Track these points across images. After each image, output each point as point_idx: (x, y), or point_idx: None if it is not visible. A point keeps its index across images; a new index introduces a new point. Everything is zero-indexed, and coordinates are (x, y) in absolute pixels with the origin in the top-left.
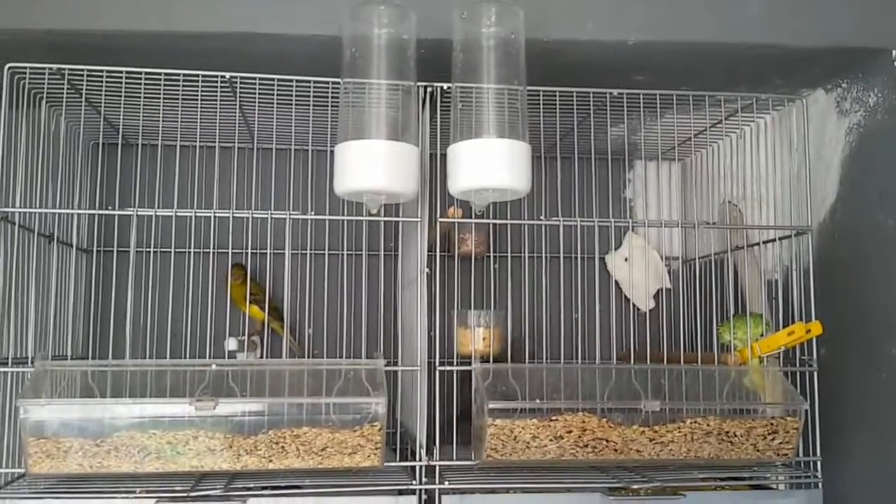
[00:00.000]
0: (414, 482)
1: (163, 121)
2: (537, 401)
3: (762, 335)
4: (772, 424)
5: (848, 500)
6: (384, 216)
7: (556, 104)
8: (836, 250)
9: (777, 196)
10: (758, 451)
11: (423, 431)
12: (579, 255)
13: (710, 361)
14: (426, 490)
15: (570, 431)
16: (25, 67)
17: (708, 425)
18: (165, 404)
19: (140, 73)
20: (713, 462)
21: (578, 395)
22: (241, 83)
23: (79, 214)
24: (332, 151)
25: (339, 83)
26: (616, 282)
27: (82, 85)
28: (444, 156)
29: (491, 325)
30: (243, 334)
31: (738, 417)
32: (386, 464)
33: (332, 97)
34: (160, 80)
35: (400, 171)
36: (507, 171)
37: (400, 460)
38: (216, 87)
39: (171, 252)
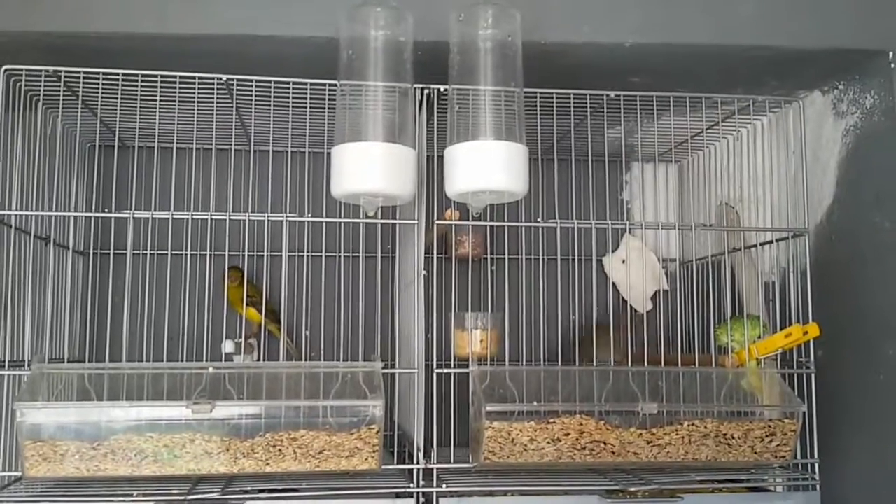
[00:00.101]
0: (411, 485)
1: (159, 123)
2: (535, 403)
3: (759, 337)
4: (769, 427)
5: (846, 502)
6: (381, 218)
7: (553, 106)
8: (833, 252)
9: (774, 198)
10: (755, 453)
11: (421, 434)
12: (576, 258)
13: (708, 363)
14: (424, 493)
15: (567, 434)
16: (22, 69)
17: (705, 427)
18: (162, 407)
19: (136, 75)
20: (711, 464)
21: (576, 398)
22: (237, 85)
23: (75, 217)
24: (328, 153)
25: (335, 85)
26: (613, 284)
27: (79, 87)
28: (441, 158)
29: (488, 328)
30: (240, 337)
31: (735, 420)
32: (383, 466)
33: (328, 99)
34: (157, 82)
35: (397, 174)
36: (504, 174)
37: (397, 463)
38: (213, 89)
39: (167, 254)
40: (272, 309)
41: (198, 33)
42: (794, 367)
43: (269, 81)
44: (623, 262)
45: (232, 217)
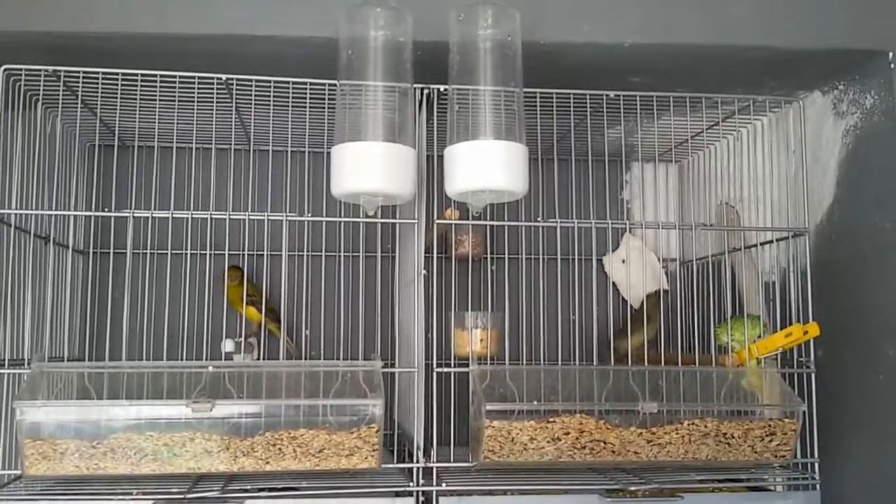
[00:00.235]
0: (411, 484)
1: (159, 123)
2: (535, 402)
3: (760, 337)
4: (769, 426)
5: (846, 502)
6: (381, 218)
7: (553, 106)
8: (833, 252)
9: (774, 198)
10: (755, 452)
11: (421, 433)
12: (576, 257)
13: (708, 363)
14: (423, 492)
15: (567, 433)
16: (21, 69)
17: (705, 427)
18: (162, 406)
19: (136, 74)
20: (711, 464)
21: (576, 397)
22: (237, 85)
23: (75, 216)
24: (328, 153)
25: (335, 85)
26: (613, 283)
27: (78, 87)
28: (440, 157)
29: (488, 327)
30: (240, 336)
31: (735, 419)
32: (383, 465)
33: (328, 99)
34: (156, 81)
35: (397, 173)
36: (504, 173)
37: (397, 462)
38: (212, 89)
39: (167, 254)
40: (272, 308)
41: (197, 33)
42: (795, 366)
43: (269, 81)
44: (623, 261)
45: (232, 216)
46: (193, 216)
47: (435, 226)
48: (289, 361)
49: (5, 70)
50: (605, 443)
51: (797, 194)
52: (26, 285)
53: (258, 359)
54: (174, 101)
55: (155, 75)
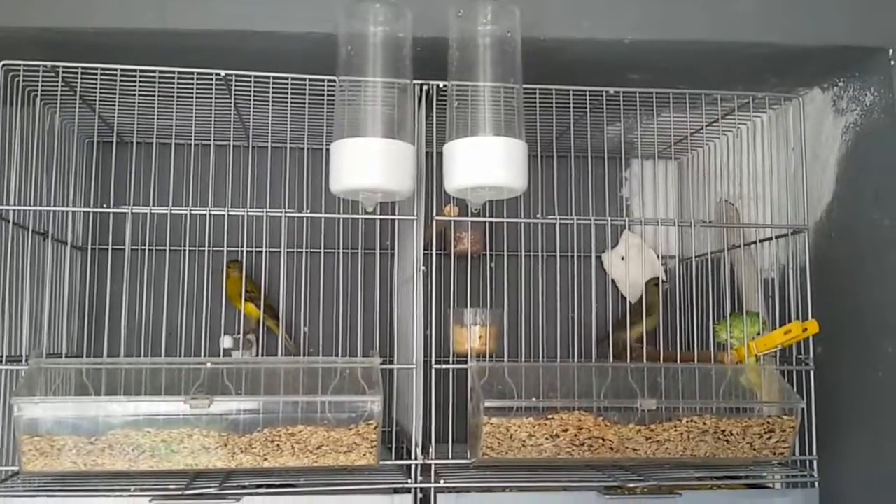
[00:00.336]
0: (409, 481)
1: (157, 119)
2: (533, 399)
3: (759, 334)
4: (768, 423)
5: (844, 499)
6: (380, 214)
7: (552, 102)
8: (832, 249)
9: (774, 195)
10: (754, 449)
11: (419, 430)
12: (576, 254)
13: (707, 360)
14: (422, 489)
15: (566, 430)
16: (20, 65)
17: (704, 424)
18: (160, 402)
19: (135, 70)
20: (709, 461)
21: (574, 394)
22: (236, 81)
23: (73, 212)
24: (327, 149)
25: (334, 81)
26: (612, 280)
27: (77, 82)
28: (440, 154)
29: (487, 324)
30: (238, 332)
31: (734, 416)
32: (381, 462)
33: (327, 95)
34: (155, 77)
35: (396, 169)
36: (504, 169)
37: (395, 459)
38: (211, 84)
39: (166, 250)
40: (270, 305)
41: (196, 29)
42: (793, 363)
43: (268, 77)
44: (622, 258)
45: (230, 213)
46: (192, 212)
47: (434, 222)
48: (287, 358)
49: (4, 66)
50: (603, 440)
51: (797, 191)
52: (24, 281)
53: (257, 355)
54: (173, 97)
55: (153, 71)
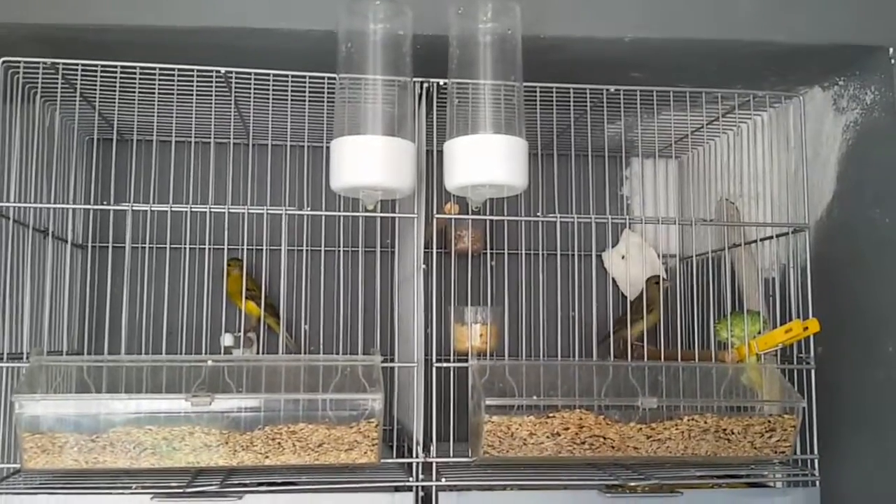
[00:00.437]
0: (410, 479)
1: (158, 116)
2: (534, 397)
3: (759, 333)
4: (769, 422)
5: (845, 498)
6: (380, 212)
7: (552, 101)
8: (833, 248)
9: (774, 193)
10: (755, 448)
11: (420, 428)
12: (576, 253)
13: (708, 359)
14: (423, 487)
15: (567, 428)
16: (19, 62)
17: (705, 423)
18: (161, 400)
19: (135, 67)
20: (710, 459)
21: (576, 392)
22: (236, 78)
23: (74, 209)
24: (327, 147)
25: (334, 79)
26: (613, 279)
27: (77, 80)
28: (440, 152)
29: (488, 322)
30: (239, 330)
31: (735, 415)
32: (382, 460)
33: (328, 93)
34: (155, 74)
35: (396, 167)
36: (504, 168)
37: (397, 457)
38: (211, 82)
39: (166, 248)
40: (271, 303)
41: (196, 26)
42: (794, 362)
43: (268, 74)
44: (623, 257)
45: (231, 210)
46: (192, 210)
47: (434, 220)
48: (288, 356)
49: (4, 62)
50: (604, 438)
51: (797, 190)
52: (25, 279)
53: (257, 353)
54: (173, 94)
55: (154, 68)
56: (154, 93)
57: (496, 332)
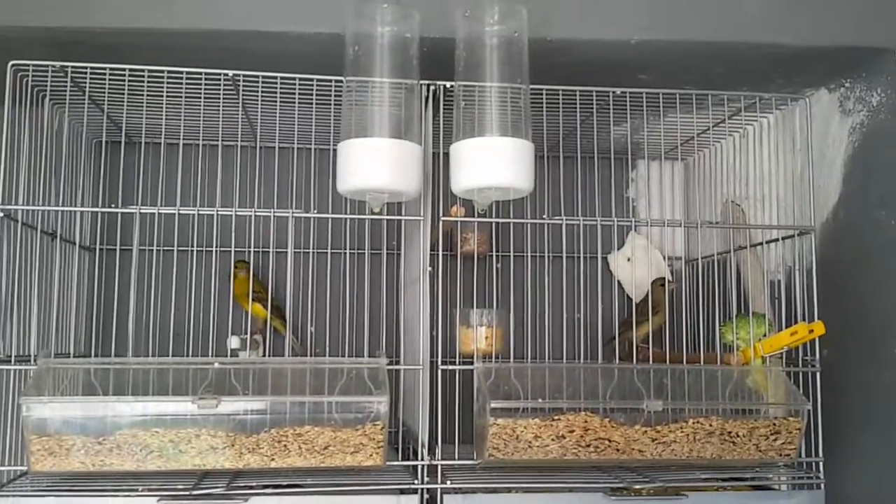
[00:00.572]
0: (416, 481)
1: (166, 118)
2: (539, 400)
3: (765, 335)
4: (774, 425)
5: (850, 501)
6: (387, 215)
7: (559, 103)
8: (839, 250)
9: (780, 196)
10: (760, 451)
11: (426, 430)
12: (582, 255)
13: (713, 361)
14: (428, 489)
15: (572, 431)
16: (28, 65)
17: (710, 425)
18: (168, 402)
19: (143, 70)
20: (715, 462)
21: (581, 395)
22: (243, 81)
23: (82, 212)
24: (334, 150)
25: (341, 81)
26: (618, 281)
27: (85, 82)
28: (446, 154)
29: (493, 325)
30: (246, 333)
31: (740, 418)
32: (388, 463)
33: (335, 95)
34: (163, 77)
35: (403, 170)
36: (510, 170)
37: (402, 459)
38: (219, 84)
39: (173, 250)
40: (277, 305)
41: (204, 29)
42: (800, 365)
43: (276, 77)
44: (628, 259)
45: (238, 213)
46: (200, 213)
47: (440, 223)
48: (294, 358)
49: (13, 66)
50: (609, 441)
51: (803, 192)
52: (33, 281)
53: (263, 355)
54: (181, 97)
55: (162, 71)
56: (162, 96)
57: (501, 335)
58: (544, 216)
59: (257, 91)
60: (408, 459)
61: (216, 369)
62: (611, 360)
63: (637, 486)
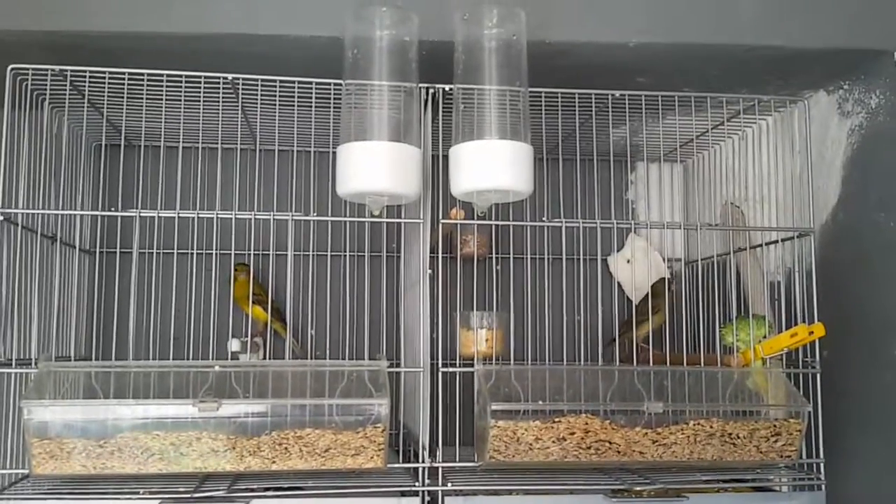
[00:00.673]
0: (417, 483)
1: (165, 122)
2: (540, 402)
3: (765, 337)
4: (775, 426)
5: (851, 502)
6: (386, 217)
7: (558, 106)
8: (838, 252)
9: (779, 197)
10: (761, 452)
11: (426, 433)
12: (581, 257)
13: (713, 363)
14: (429, 491)
15: (572, 433)
16: (28, 69)
17: (711, 427)
18: (169, 405)
19: (142, 74)
20: (716, 464)
21: (581, 397)
22: (243, 84)
23: (82, 216)
24: (334, 153)
25: (341, 84)
26: (618, 283)
27: (84, 86)
28: (446, 157)
29: (493, 327)
30: (246, 335)
31: (741, 419)
32: (389, 465)
33: (334, 99)
34: (162, 81)
35: (402, 173)
36: (510, 173)
37: (403, 462)
38: (218, 88)
39: (173, 253)
40: (278, 308)
41: (203, 32)
42: (800, 366)
43: (275, 80)
44: (628, 261)
45: (238, 216)
46: (199, 216)
47: (440, 225)
48: (295, 361)
49: (12, 69)
50: (610, 443)
51: (802, 194)
52: (33, 285)
53: (264, 358)
54: (180, 100)
55: (161, 75)
56: (161, 99)
57: (502, 337)
58: (544, 218)
59: (257, 94)
60: (409, 462)
61: (217, 372)
62: (611, 362)
63: (638, 488)
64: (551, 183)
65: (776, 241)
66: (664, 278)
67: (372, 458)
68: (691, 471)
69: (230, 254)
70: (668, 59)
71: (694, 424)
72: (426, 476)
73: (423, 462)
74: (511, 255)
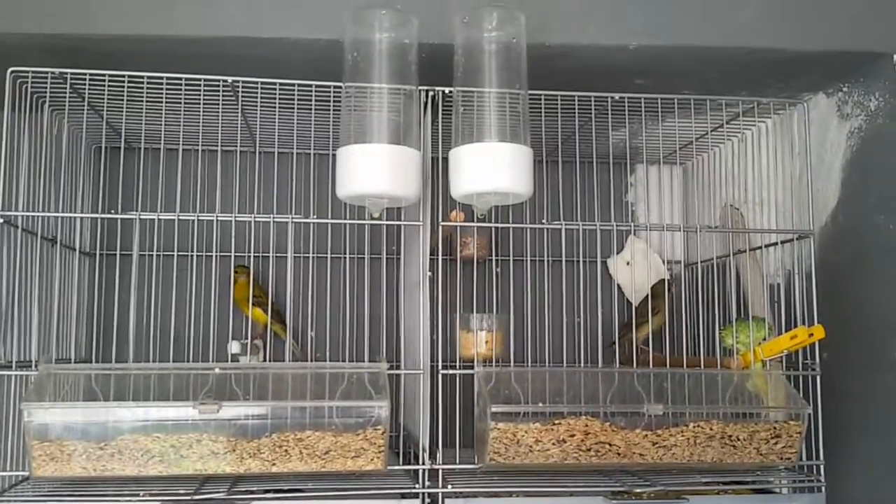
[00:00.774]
0: (417, 486)
1: (165, 125)
2: (540, 404)
3: (765, 339)
4: (775, 428)
5: None
6: (386, 220)
7: (557, 108)
8: (837, 254)
9: (779, 200)
10: (761, 454)
11: (426, 435)
12: (581, 259)
13: (713, 365)
14: (429, 493)
15: (572, 435)
16: (28, 71)
17: (711, 429)
18: (169, 408)
19: (142, 77)
20: (716, 466)
21: (581, 399)
22: (242, 87)
23: (82, 218)
24: (334, 155)
25: (340, 87)
26: (618, 285)
27: (85, 89)
28: (446, 159)
29: (493, 329)
30: (246, 338)
31: (741, 421)
32: (389, 467)
33: (333, 101)
34: (162, 84)
35: (402, 175)
36: (509, 175)
37: (403, 464)
38: (218, 91)
39: (173, 255)
40: (277, 310)
41: (203, 35)
42: (800, 368)
43: (275, 83)
44: (628, 263)
45: (237, 218)
46: (199, 218)
47: (440, 228)
48: (295, 363)
49: (12, 72)
50: (610, 445)
51: (801, 196)
52: (33, 287)
53: (264, 360)
54: (180, 103)
55: (161, 77)
56: (161, 102)
57: (501, 339)
58: (543, 221)
59: (256, 97)
60: (409, 464)
61: (217, 374)
62: (611, 364)
63: (638, 490)
64: (551, 185)
65: (776, 244)
66: (664, 280)
67: (372, 460)
68: (691, 473)
69: (230, 256)
70: (667, 61)
71: (694, 426)
72: (426, 478)
73: (423, 464)
74: (511, 258)
